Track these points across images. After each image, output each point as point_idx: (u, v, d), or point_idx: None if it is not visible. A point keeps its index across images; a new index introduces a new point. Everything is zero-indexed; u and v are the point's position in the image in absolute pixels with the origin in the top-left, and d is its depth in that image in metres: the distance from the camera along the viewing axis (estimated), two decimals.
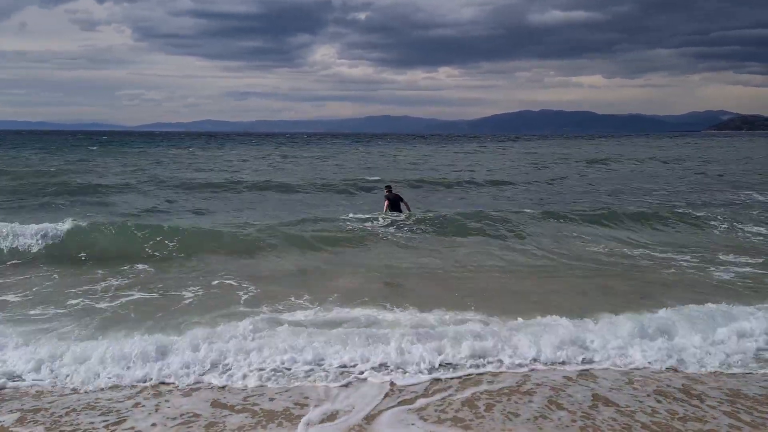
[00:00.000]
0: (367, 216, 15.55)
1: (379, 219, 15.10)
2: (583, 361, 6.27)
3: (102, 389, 5.54)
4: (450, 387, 5.64)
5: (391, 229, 13.91)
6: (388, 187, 16.41)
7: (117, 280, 9.45)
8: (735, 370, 6.13)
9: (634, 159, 48.33)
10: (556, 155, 55.47)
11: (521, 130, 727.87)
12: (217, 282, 9.45)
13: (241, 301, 8.36)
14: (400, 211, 15.79)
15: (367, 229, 13.88)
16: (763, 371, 6.11)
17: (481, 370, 6.04)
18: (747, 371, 6.12)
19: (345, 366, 6.02)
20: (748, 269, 10.60)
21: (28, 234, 11.17)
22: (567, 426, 4.85)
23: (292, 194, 22.69)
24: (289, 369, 5.94)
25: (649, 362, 6.26)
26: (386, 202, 15.96)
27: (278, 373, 5.87)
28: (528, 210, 16.63)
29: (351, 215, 15.74)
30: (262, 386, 5.62)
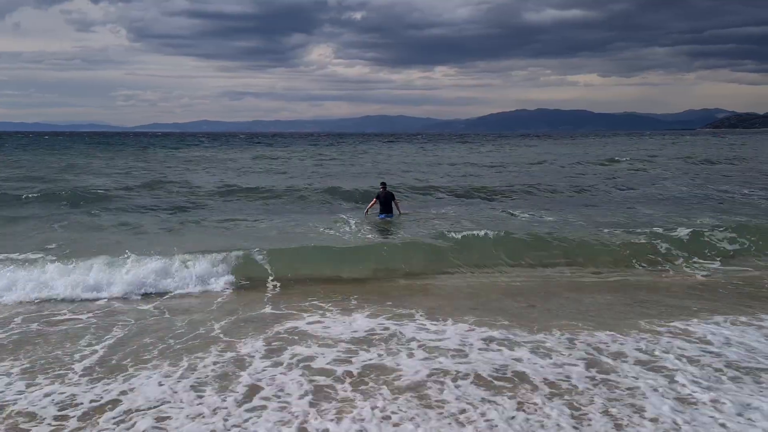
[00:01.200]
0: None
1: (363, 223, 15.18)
2: None
3: None
4: None
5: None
6: (383, 184, 16.33)
7: None
8: None
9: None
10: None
11: (518, 128, 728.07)
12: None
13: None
14: (391, 211, 15.78)
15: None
16: None
17: None
18: None
19: None
20: None
21: None
22: None
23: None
24: None
25: None
26: (374, 200, 16.08)
27: None
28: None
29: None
30: None
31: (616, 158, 43.85)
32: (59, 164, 37.18)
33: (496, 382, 6.00)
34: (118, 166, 36.67)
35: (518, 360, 6.59)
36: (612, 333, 7.46)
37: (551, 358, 6.63)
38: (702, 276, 10.98)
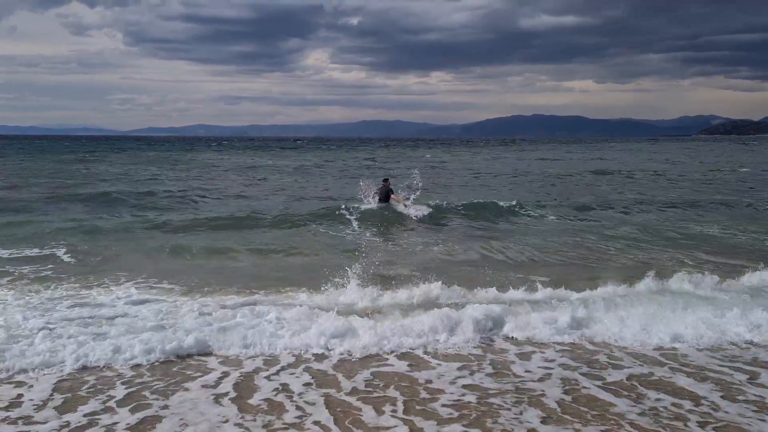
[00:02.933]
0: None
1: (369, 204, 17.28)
2: None
3: None
4: None
5: None
6: (386, 180, 18.29)
7: None
8: None
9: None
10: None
11: (514, 133, 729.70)
12: None
13: None
14: (388, 202, 17.47)
15: None
16: None
17: None
18: None
19: None
20: None
21: None
22: None
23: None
24: None
25: None
26: (374, 192, 17.83)
27: None
28: None
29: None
30: None
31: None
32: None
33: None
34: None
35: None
36: None
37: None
38: None
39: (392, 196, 17.58)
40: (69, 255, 11.42)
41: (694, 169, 42.05)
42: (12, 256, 11.22)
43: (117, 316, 7.39)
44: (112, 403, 5.22)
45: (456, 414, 5.08)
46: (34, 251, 11.62)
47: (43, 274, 9.85)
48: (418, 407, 5.20)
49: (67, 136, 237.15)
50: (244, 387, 5.60)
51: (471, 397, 5.41)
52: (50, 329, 6.84)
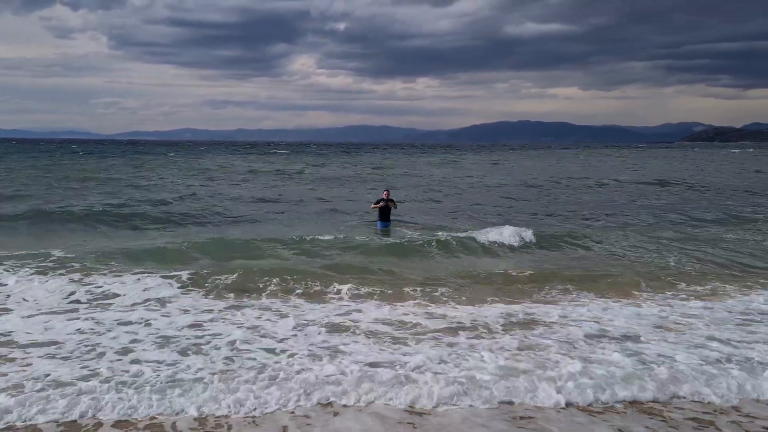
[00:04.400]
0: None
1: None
2: None
3: None
4: None
5: None
6: (387, 192, 16.55)
7: None
8: None
9: None
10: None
11: (500, 139, 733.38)
12: None
13: None
14: (389, 219, 16.06)
15: None
16: None
17: None
18: None
19: None
20: None
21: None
22: None
23: None
24: None
25: None
26: (378, 205, 16.22)
27: None
28: None
29: None
30: None
31: None
32: None
33: None
34: None
35: None
36: None
37: None
38: None
39: (392, 202, 16.41)
40: None
41: None
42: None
43: None
44: None
45: None
46: None
47: None
48: None
49: (52, 139, 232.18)
50: None
51: None
52: None
